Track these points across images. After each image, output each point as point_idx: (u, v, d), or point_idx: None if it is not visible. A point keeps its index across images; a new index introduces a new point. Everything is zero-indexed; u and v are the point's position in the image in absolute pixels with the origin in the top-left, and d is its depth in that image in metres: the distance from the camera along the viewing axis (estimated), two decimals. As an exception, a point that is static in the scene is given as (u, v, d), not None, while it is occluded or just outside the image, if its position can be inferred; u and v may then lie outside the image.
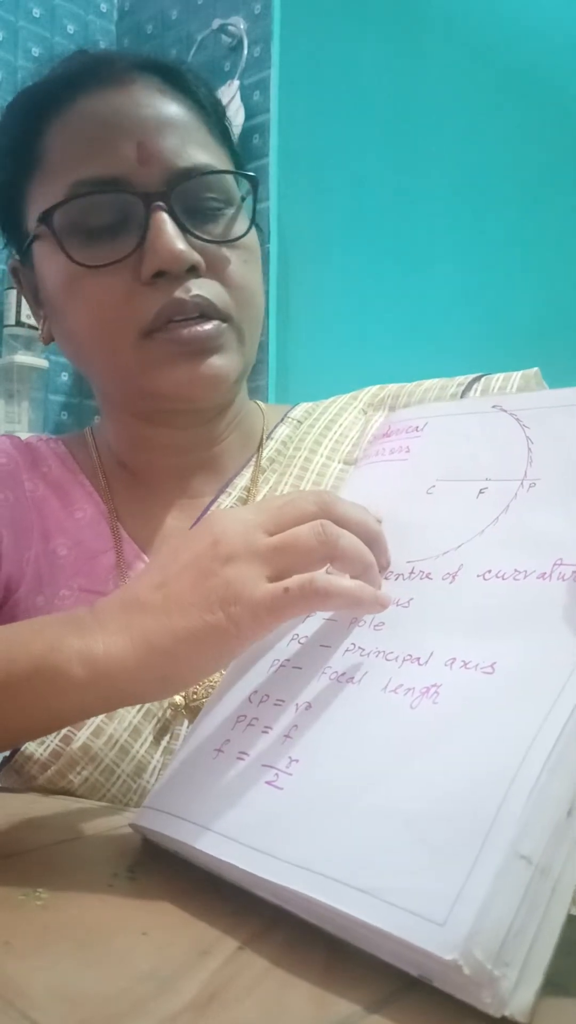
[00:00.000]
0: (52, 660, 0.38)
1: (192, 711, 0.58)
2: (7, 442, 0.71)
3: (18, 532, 0.65)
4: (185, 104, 0.62)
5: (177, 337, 0.59)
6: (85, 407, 2.39)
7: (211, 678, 0.58)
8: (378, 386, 0.72)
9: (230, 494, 0.67)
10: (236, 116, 2.04)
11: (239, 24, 2.16)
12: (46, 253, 0.62)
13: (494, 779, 0.29)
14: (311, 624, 0.42)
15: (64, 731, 0.55)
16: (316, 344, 1.98)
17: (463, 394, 0.65)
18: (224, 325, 0.61)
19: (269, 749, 0.37)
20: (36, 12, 2.38)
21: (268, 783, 0.36)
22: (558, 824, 0.28)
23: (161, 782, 0.42)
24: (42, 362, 2.25)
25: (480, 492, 0.42)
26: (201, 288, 0.59)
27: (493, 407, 0.45)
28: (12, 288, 2.11)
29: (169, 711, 0.58)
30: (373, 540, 0.42)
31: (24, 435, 0.74)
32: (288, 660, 0.42)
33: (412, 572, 0.41)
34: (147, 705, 0.57)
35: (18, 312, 2.16)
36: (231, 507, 0.66)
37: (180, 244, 0.58)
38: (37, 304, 0.68)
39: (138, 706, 0.57)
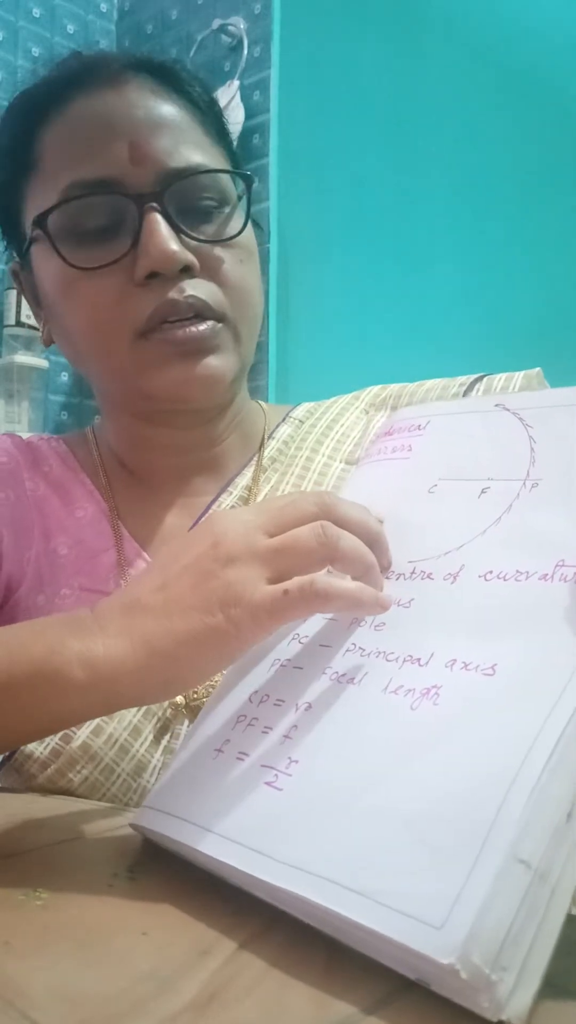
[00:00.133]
0: (53, 663, 0.38)
1: (192, 710, 0.58)
2: (8, 441, 0.71)
3: (19, 531, 0.65)
4: (179, 104, 0.62)
5: (172, 338, 0.59)
6: (85, 407, 2.39)
7: (213, 681, 0.58)
8: (380, 386, 0.72)
9: (231, 493, 0.67)
10: (236, 116, 2.04)
11: (239, 24, 2.16)
12: (43, 255, 0.62)
13: (494, 781, 0.29)
14: (312, 624, 0.42)
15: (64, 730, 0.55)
16: (316, 344, 1.97)
17: (465, 394, 0.65)
18: (219, 325, 0.60)
19: (269, 750, 0.37)
20: (36, 12, 2.38)
21: (267, 784, 0.36)
22: (558, 827, 0.28)
23: (161, 782, 0.42)
24: (42, 362, 2.25)
25: (482, 492, 0.41)
26: (195, 288, 0.59)
27: (496, 406, 0.45)
28: (12, 288, 2.11)
29: (169, 710, 0.58)
30: (374, 541, 0.42)
31: (24, 435, 0.74)
32: (288, 660, 0.41)
33: (413, 572, 0.41)
34: (146, 705, 0.57)
35: (18, 312, 2.16)
36: (232, 507, 0.66)
37: (173, 245, 0.58)
38: (38, 306, 0.68)
39: None
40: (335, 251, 1.97)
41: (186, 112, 0.62)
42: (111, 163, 0.58)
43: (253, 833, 0.34)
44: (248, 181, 0.64)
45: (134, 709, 0.57)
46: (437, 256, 1.76)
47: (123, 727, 0.56)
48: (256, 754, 0.38)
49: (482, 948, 0.25)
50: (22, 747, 0.56)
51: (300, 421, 0.72)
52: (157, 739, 0.57)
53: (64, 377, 2.38)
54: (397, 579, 0.41)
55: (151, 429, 0.66)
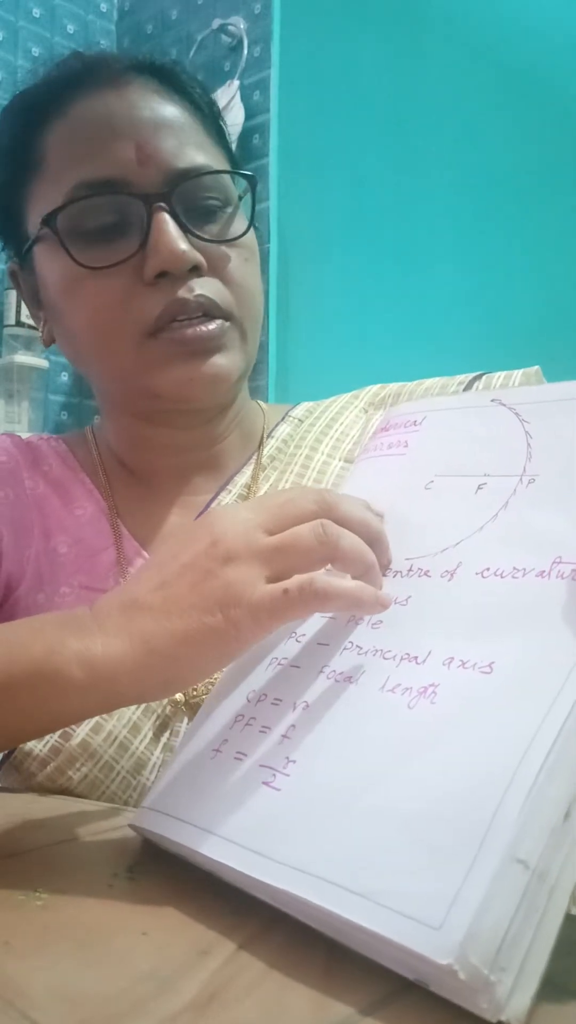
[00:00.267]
0: (52, 662, 0.38)
1: (192, 707, 0.58)
2: (7, 440, 0.71)
3: (18, 530, 0.65)
4: (181, 105, 0.63)
5: (181, 337, 0.59)
6: (85, 407, 2.39)
7: (212, 678, 0.58)
8: (379, 385, 0.72)
9: (230, 492, 0.67)
10: (236, 116, 2.04)
11: (239, 24, 2.16)
12: (47, 255, 0.62)
13: (491, 781, 0.29)
14: (310, 623, 0.42)
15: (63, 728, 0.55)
16: (316, 344, 1.98)
17: (463, 392, 0.65)
18: (227, 324, 0.61)
19: (267, 749, 0.37)
20: (36, 12, 2.38)
21: (265, 784, 0.36)
22: (556, 827, 0.27)
23: (160, 782, 0.42)
24: (42, 362, 2.25)
25: (479, 487, 0.41)
26: (204, 287, 0.60)
27: (492, 401, 0.45)
28: (12, 288, 2.11)
29: (168, 708, 0.58)
30: (375, 539, 0.42)
31: (24, 435, 0.74)
32: (286, 659, 0.41)
33: (411, 570, 0.41)
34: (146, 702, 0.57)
35: (18, 312, 2.16)
36: (231, 503, 0.66)
37: (182, 244, 0.58)
38: (37, 306, 0.68)
39: None
40: (335, 251, 1.97)
41: (188, 113, 0.63)
42: (117, 163, 0.59)
43: (251, 834, 0.34)
44: (252, 182, 0.65)
45: (133, 707, 0.57)
46: (437, 256, 1.76)
47: (122, 724, 0.56)
48: (254, 754, 0.38)
49: (480, 948, 0.25)
50: (21, 745, 0.56)
51: (299, 420, 0.72)
52: (156, 736, 0.58)
53: (64, 377, 2.38)
54: (394, 577, 0.41)
55: (151, 428, 0.66)
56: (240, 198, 0.64)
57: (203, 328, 0.59)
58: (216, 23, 2.20)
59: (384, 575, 0.42)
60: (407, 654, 0.36)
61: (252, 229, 0.64)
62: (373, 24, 1.89)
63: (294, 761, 0.36)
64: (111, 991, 0.28)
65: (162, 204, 0.58)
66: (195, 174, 0.60)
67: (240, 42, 2.15)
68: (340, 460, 0.67)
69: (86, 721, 0.55)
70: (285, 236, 2.05)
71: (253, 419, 0.72)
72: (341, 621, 0.41)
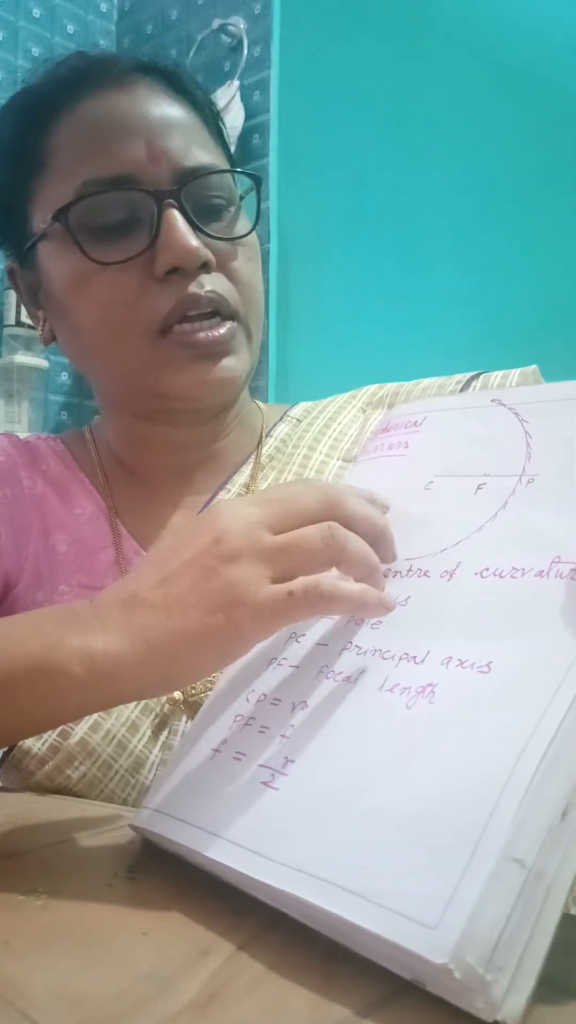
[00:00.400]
0: (52, 659, 0.38)
1: (190, 706, 0.58)
2: (5, 440, 0.71)
3: (17, 529, 0.65)
4: (185, 105, 0.63)
5: (194, 341, 0.60)
6: (85, 407, 2.39)
7: (211, 677, 0.58)
8: (377, 385, 0.73)
9: (229, 491, 0.67)
10: (236, 116, 2.04)
11: (239, 24, 2.16)
12: (53, 252, 0.62)
13: (488, 781, 0.29)
14: (309, 623, 0.42)
15: (62, 726, 0.56)
16: (316, 344, 1.98)
17: (461, 392, 0.65)
18: (236, 324, 0.62)
19: (266, 750, 0.37)
20: (36, 12, 2.38)
21: (264, 784, 0.36)
22: (553, 826, 0.27)
23: (159, 782, 0.42)
24: (42, 362, 2.25)
25: (479, 488, 0.41)
26: (213, 283, 0.60)
27: (492, 401, 0.45)
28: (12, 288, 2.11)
29: (167, 706, 0.58)
30: (379, 537, 0.41)
31: (24, 435, 0.74)
32: (286, 659, 0.41)
33: (410, 570, 0.41)
34: (145, 700, 0.58)
35: (18, 312, 2.16)
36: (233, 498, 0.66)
37: (194, 240, 0.59)
38: (35, 305, 0.68)
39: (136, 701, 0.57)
40: (335, 251, 1.97)
41: (192, 114, 0.64)
42: (128, 161, 0.59)
43: (249, 834, 0.34)
44: (256, 181, 0.66)
45: (131, 705, 0.57)
46: (437, 256, 1.76)
47: (121, 723, 0.56)
48: (253, 754, 0.38)
49: (476, 948, 0.25)
50: (20, 743, 0.56)
51: (297, 420, 0.72)
52: (155, 735, 0.58)
53: (64, 377, 2.38)
54: (394, 577, 0.41)
55: (152, 427, 0.67)
56: (241, 198, 0.65)
57: (214, 332, 0.60)
58: (216, 23, 2.20)
59: (384, 575, 0.42)
60: (406, 654, 0.36)
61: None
62: (373, 24, 1.89)
63: (293, 761, 0.36)
64: (111, 991, 0.28)
65: (172, 201, 0.59)
66: (203, 172, 0.61)
67: (240, 42, 2.15)
68: (338, 459, 0.67)
69: (85, 720, 0.56)
70: (285, 236, 2.04)
71: (252, 418, 0.72)
72: (341, 622, 0.41)
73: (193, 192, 0.60)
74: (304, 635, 0.42)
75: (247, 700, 0.41)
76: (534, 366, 0.65)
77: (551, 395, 0.43)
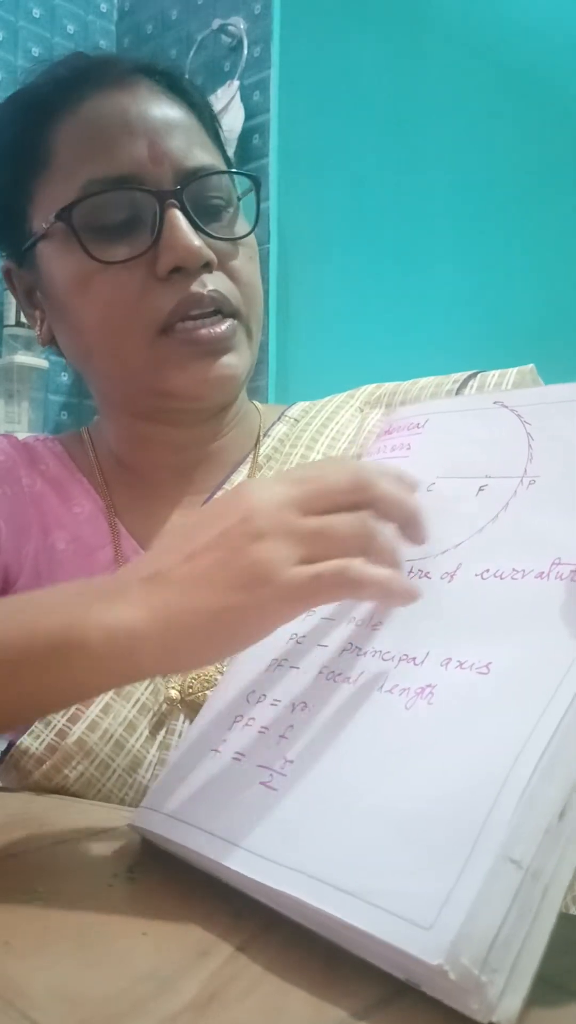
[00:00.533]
0: (73, 634, 0.37)
1: (188, 705, 0.58)
2: (4, 441, 0.72)
3: (17, 526, 0.65)
4: (184, 107, 0.64)
5: (195, 338, 0.60)
6: (85, 407, 2.39)
7: (208, 673, 0.58)
8: (374, 384, 0.73)
9: (227, 490, 0.67)
10: (236, 116, 2.04)
11: (239, 24, 2.16)
12: (55, 251, 0.62)
13: (486, 781, 0.29)
14: (309, 623, 0.42)
15: (59, 725, 0.56)
16: (316, 344, 1.98)
17: (458, 391, 0.66)
18: (236, 322, 0.62)
19: (265, 750, 0.37)
20: (36, 12, 2.38)
21: (263, 784, 0.36)
22: (550, 827, 0.27)
23: (159, 782, 0.42)
24: (42, 362, 2.25)
25: (480, 489, 0.41)
26: (215, 283, 0.61)
27: (494, 403, 0.45)
28: (12, 288, 2.11)
29: (165, 705, 0.58)
30: (410, 519, 0.40)
31: (23, 435, 0.75)
32: (286, 660, 0.42)
33: (411, 571, 0.41)
34: (142, 699, 0.58)
35: (18, 312, 2.16)
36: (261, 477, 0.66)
37: (196, 240, 0.59)
38: (31, 305, 0.68)
39: (133, 700, 0.57)
40: (335, 251, 1.97)
41: (191, 115, 0.64)
42: (130, 161, 0.60)
43: (247, 834, 0.34)
44: (256, 182, 0.66)
45: (129, 704, 0.57)
46: (437, 256, 1.76)
47: (118, 722, 0.56)
48: (252, 754, 0.38)
49: (471, 949, 0.25)
50: (18, 743, 0.56)
51: (295, 420, 0.73)
52: (153, 734, 0.58)
53: (64, 377, 2.38)
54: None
55: (151, 427, 0.67)
56: (239, 199, 0.65)
57: (216, 329, 0.60)
58: (216, 23, 2.20)
59: None
60: (405, 655, 0.36)
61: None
62: (373, 24, 1.89)
63: (291, 761, 0.36)
64: (111, 991, 0.28)
65: (174, 201, 0.59)
66: (204, 173, 0.61)
67: (240, 42, 2.15)
68: None
69: (82, 719, 0.56)
70: (285, 236, 2.04)
71: (250, 418, 0.73)
72: (341, 622, 0.41)
73: (194, 192, 0.60)
74: (304, 636, 0.42)
75: (247, 701, 0.41)
76: (531, 365, 0.65)
77: (553, 397, 0.43)
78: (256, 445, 0.71)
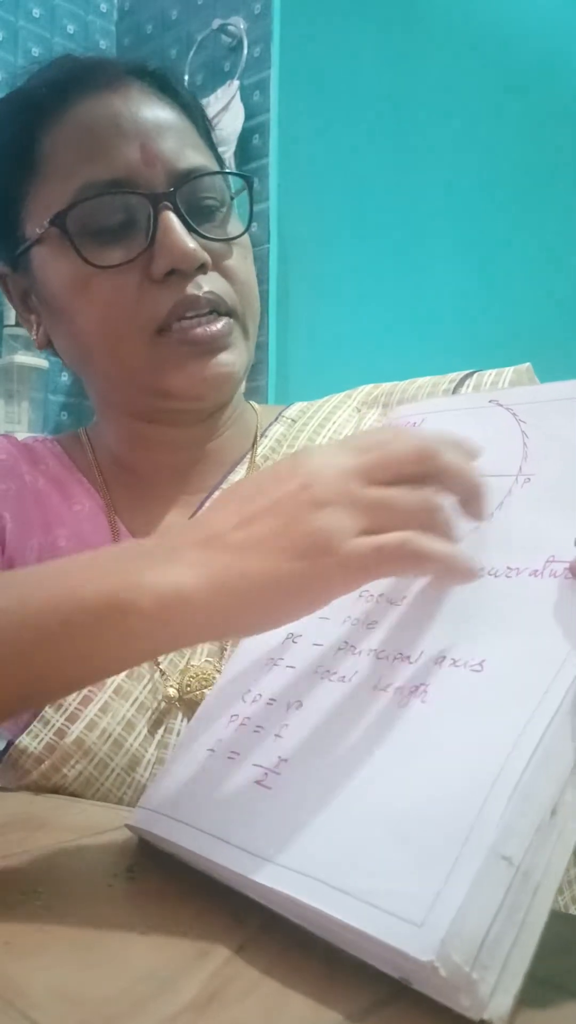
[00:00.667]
0: (125, 596, 0.36)
1: (186, 704, 0.58)
2: (4, 441, 0.72)
3: (21, 521, 0.66)
4: (176, 108, 0.64)
5: (192, 337, 0.60)
6: (85, 407, 2.39)
7: (206, 671, 0.58)
8: (372, 384, 0.73)
9: (223, 490, 0.68)
10: (236, 116, 2.04)
11: (239, 24, 2.15)
12: (50, 256, 0.62)
13: (478, 779, 0.29)
14: (305, 623, 0.42)
15: (58, 724, 0.56)
16: (316, 344, 1.97)
17: (455, 390, 0.66)
18: (232, 321, 0.62)
19: (260, 749, 0.37)
20: (36, 12, 2.38)
21: (257, 783, 0.36)
22: (541, 825, 0.28)
23: (156, 781, 0.42)
24: (42, 362, 2.25)
25: None
26: (211, 284, 0.61)
27: (490, 402, 0.45)
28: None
29: (163, 704, 0.59)
30: (474, 492, 0.39)
31: (23, 436, 0.75)
32: (283, 659, 0.42)
33: None
34: (141, 698, 0.58)
35: (18, 312, 2.16)
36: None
37: (191, 243, 0.59)
38: (27, 310, 0.68)
39: (132, 699, 0.58)
40: (335, 251, 1.97)
41: (182, 116, 0.64)
42: (123, 164, 0.60)
43: (241, 833, 0.34)
44: (249, 182, 0.67)
45: (127, 703, 0.57)
46: (437, 255, 1.76)
47: (116, 721, 0.57)
48: (247, 753, 0.38)
49: (462, 946, 0.25)
50: (16, 743, 0.57)
51: (292, 420, 0.73)
52: (151, 733, 0.58)
53: (64, 377, 2.38)
54: (391, 577, 0.41)
55: (150, 427, 0.67)
56: (232, 199, 0.66)
57: (212, 327, 0.61)
58: (216, 23, 2.20)
59: None
60: (400, 653, 0.37)
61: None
62: (373, 24, 1.89)
63: (286, 760, 0.36)
64: (111, 991, 0.28)
65: (168, 203, 0.59)
66: (197, 174, 0.61)
67: (240, 42, 2.14)
68: None
69: (81, 718, 0.56)
70: (285, 236, 2.04)
71: (247, 418, 0.73)
72: (337, 621, 0.41)
73: (187, 194, 0.61)
74: (301, 636, 0.42)
75: (243, 700, 0.41)
76: (527, 364, 0.65)
77: (549, 395, 0.43)
78: (253, 445, 0.71)
